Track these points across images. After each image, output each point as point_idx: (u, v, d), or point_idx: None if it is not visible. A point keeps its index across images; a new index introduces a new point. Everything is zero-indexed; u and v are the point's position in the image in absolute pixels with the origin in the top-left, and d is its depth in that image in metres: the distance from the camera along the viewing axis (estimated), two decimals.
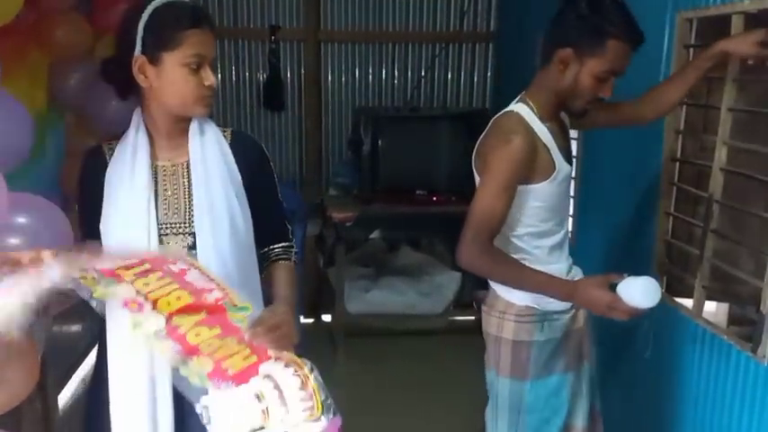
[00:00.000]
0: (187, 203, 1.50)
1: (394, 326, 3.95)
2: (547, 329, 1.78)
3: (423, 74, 4.22)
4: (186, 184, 1.51)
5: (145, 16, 1.41)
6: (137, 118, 1.50)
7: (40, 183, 2.39)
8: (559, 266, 1.80)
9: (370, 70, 4.22)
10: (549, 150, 1.69)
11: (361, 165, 3.64)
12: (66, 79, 2.69)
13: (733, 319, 2.21)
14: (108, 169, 1.49)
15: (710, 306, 2.07)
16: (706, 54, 1.81)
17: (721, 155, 1.92)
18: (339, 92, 4.22)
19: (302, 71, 4.13)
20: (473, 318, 4.11)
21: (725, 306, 2.23)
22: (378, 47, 4.19)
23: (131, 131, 1.50)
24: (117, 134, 1.54)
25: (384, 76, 4.24)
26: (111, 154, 1.51)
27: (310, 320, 4.11)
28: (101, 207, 1.48)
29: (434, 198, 3.67)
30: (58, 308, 2.78)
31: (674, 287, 2.21)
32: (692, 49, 2.10)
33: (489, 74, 4.28)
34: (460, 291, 4.02)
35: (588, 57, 1.61)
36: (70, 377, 3.37)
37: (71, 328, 3.44)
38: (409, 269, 4.08)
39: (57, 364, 2.96)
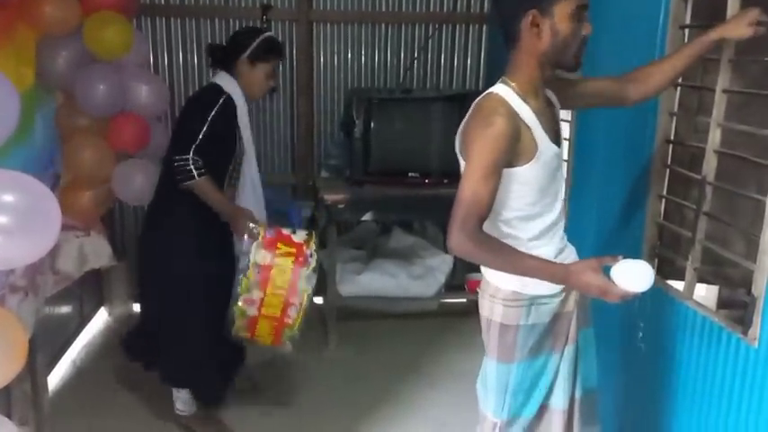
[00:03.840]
0: None
1: (386, 308, 3.96)
2: (534, 314, 1.77)
3: (416, 55, 4.19)
4: None
5: (261, 38, 2.70)
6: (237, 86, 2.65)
7: (30, 162, 2.36)
8: (548, 249, 1.77)
9: (363, 51, 4.17)
10: (531, 131, 1.65)
11: (353, 147, 3.61)
12: (55, 57, 2.65)
13: (722, 303, 2.22)
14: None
15: (700, 289, 2.07)
16: (701, 40, 1.80)
17: (715, 137, 1.91)
18: (331, 73, 4.18)
19: (294, 52, 4.08)
20: (465, 300, 4.12)
21: (714, 289, 2.24)
22: (370, 28, 4.15)
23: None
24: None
25: (376, 57, 4.19)
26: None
27: None
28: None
29: (427, 180, 3.65)
30: (53, 290, 2.77)
31: (665, 269, 2.22)
32: (687, 30, 2.09)
33: (483, 55, 4.24)
34: (452, 273, 4.02)
35: (551, 6, 1.59)
36: (60, 359, 3.37)
37: (61, 309, 3.42)
38: (401, 252, 4.07)
39: (46, 345, 2.95)
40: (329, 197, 3.53)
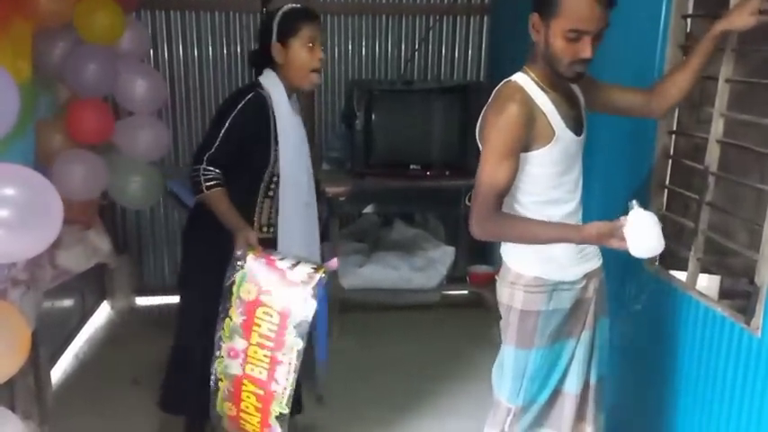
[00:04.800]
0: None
1: (388, 300, 3.96)
2: (555, 300, 1.81)
3: (416, 47, 4.17)
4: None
5: (279, 15, 2.26)
6: (279, 82, 2.27)
7: (30, 156, 2.36)
8: None
9: (364, 43, 4.16)
10: (547, 116, 1.70)
11: (355, 139, 3.60)
12: (51, 49, 2.64)
13: (723, 293, 2.21)
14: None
15: (702, 279, 2.07)
16: (709, 36, 1.80)
17: (718, 127, 1.90)
18: (332, 65, 4.16)
19: None
20: (466, 292, 4.12)
21: (716, 279, 2.23)
22: (371, 19, 4.13)
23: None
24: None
25: (377, 48, 4.18)
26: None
27: None
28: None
29: (428, 172, 3.64)
30: (51, 284, 2.78)
31: (667, 260, 2.21)
32: (689, 20, 2.08)
33: (484, 46, 4.23)
34: (454, 265, 4.02)
35: (549, 18, 1.64)
36: (63, 352, 3.37)
37: (63, 303, 3.43)
38: (403, 244, 4.07)
39: (49, 339, 2.96)
40: (331, 189, 3.52)
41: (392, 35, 4.17)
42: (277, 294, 1.99)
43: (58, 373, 3.22)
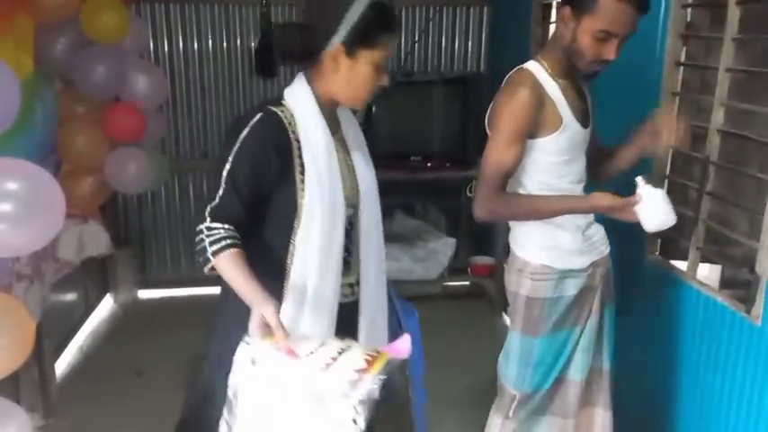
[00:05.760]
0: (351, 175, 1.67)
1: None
2: (561, 287, 1.83)
3: (416, 38, 4.16)
4: (345, 157, 1.68)
5: (361, 12, 1.52)
6: (309, 93, 1.62)
7: (32, 150, 2.36)
8: (575, 222, 1.82)
9: None
10: (555, 104, 1.72)
11: None
12: (53, 44, 2.64)
13: (724, 282, 2.23)
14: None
15: (702, 269, 2.08)
16: (626, 156, 1.90)
17: (718, 116, 1.91)
18: None
19: None
20: (467, 283, 4.13)
21: (717, 269, 2.24)
22: None
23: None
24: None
25: None
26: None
27: None
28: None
29: (429, 164, 3.65)
30: (55, 276, 2.79)
31: (668, 249, 2.22)
32: (689, 9, 2.07)
33: (484, 37, 4.22)
34: (455, 256, 4.03)
35: (582, 14, 1.65)
36: (66, 345, 3.39)
37: (66, 297, 3.44)
38: (404, 235, 4.08)
39: (53, 332, 2.97)
40: None
41: None
42: (298, 416, 1.25)
43: (62, 365, 3.24)
